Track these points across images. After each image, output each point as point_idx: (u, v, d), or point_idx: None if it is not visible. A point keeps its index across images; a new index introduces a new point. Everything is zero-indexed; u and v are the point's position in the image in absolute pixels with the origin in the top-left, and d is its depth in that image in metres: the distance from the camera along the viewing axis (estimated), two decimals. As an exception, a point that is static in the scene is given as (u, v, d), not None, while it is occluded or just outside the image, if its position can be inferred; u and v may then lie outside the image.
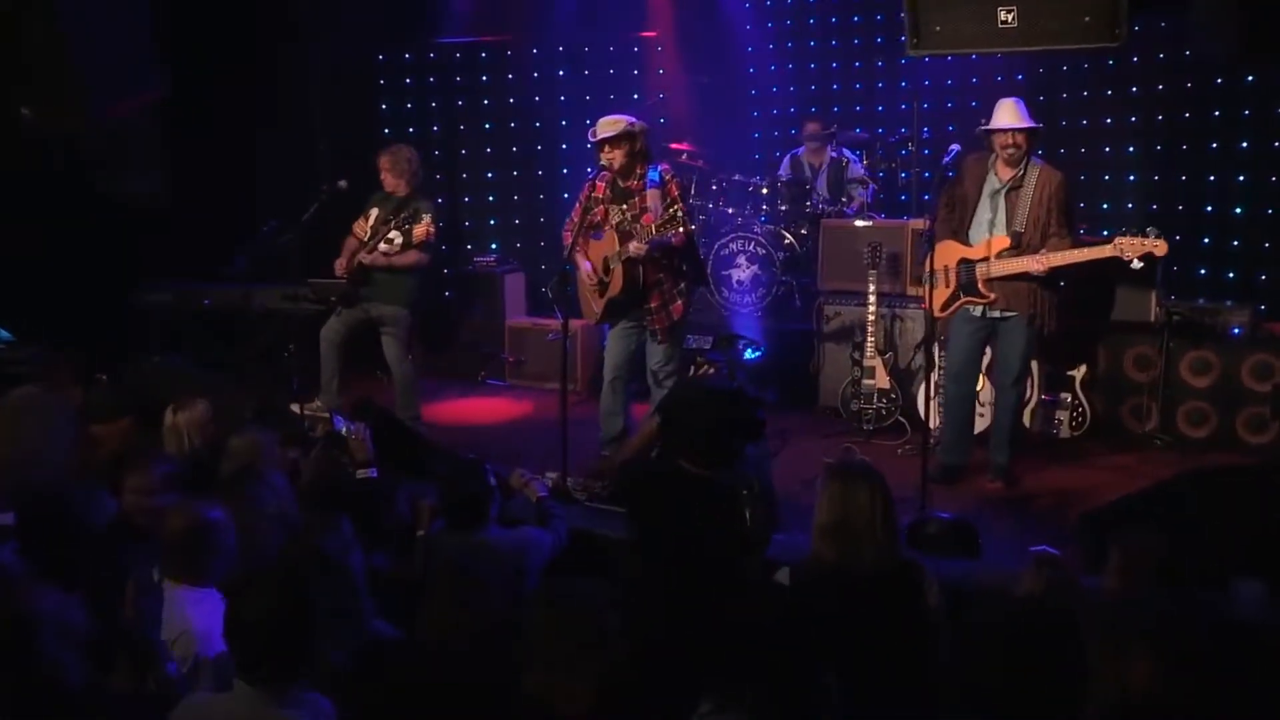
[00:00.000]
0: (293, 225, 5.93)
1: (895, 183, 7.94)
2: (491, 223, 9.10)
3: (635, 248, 5.21)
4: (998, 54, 6.28)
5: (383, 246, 6.24)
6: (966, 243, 5.33)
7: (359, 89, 8.71)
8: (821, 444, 6.29)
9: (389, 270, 6.30)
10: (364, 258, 6.26)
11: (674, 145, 8.07)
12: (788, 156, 8.30)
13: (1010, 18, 4.50)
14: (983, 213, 5.28)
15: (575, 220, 5.65)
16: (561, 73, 8.80)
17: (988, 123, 5.28)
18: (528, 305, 8.34)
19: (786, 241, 7.61)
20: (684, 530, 3.45)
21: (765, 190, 7.83)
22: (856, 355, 6.44)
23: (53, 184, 7.20)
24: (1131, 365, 6.27)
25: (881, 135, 8.10)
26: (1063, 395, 6.18)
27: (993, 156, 5.30)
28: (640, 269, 5.37)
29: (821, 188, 7.90)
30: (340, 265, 6.40)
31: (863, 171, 7.85)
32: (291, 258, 5.91)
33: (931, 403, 6.08)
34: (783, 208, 7.76)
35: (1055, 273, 5.09)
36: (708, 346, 4.93)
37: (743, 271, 7.59)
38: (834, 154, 8.08)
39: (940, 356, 6.05)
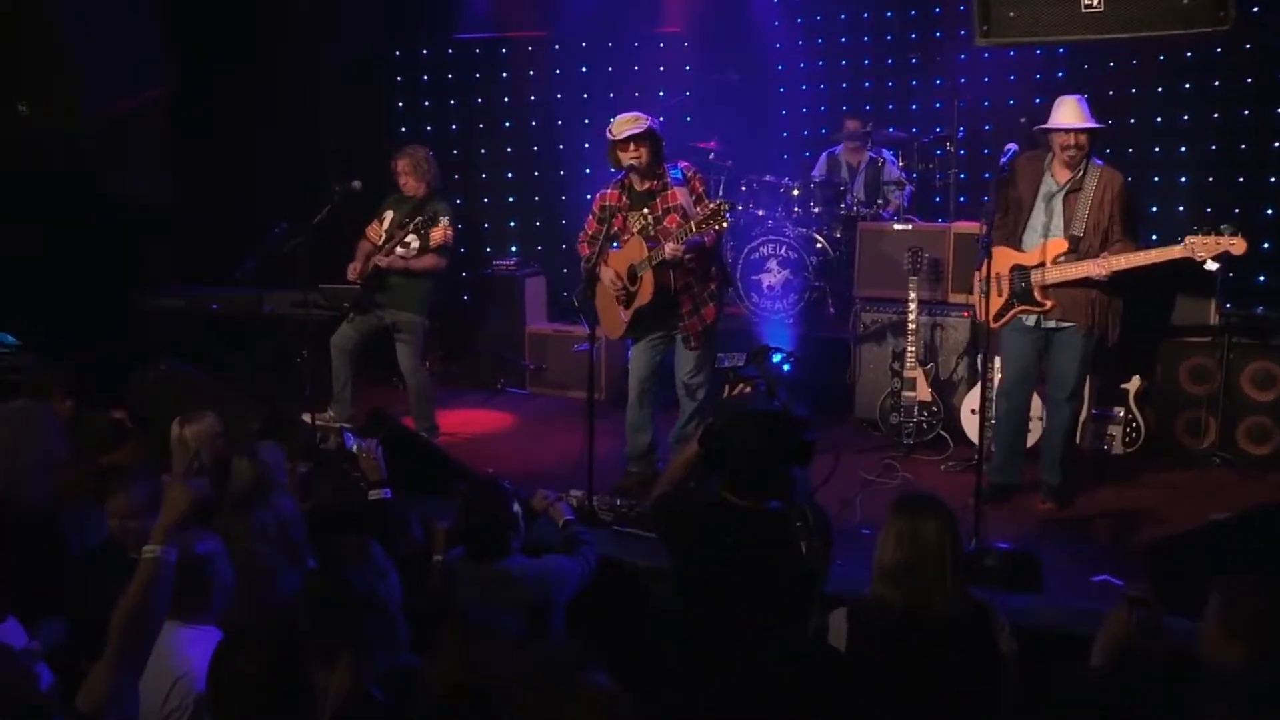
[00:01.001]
0: (303, 228, 5.63)
1: (931, 184, 7.58)
2: (511, 225, 8.80)
3: (671, 248, 4.87)
4: (1071, 44, 5.82)
5: (399, 250, 5.95)
6: (1019, 248, 4.99)
7: (373, 86, 8.45)
8: (859, 459, 5.94)
9: (405, 275, 6.01)
10: (379, 261, 5.96)
11: (700, 144, 7.75)
12: (824, 155, 7.98)
13: (1097, 1, 4.12)
14: (1037, 216, 4.95)
15: (589, 233, 5.33)
16: (584, 69, 8.48)
17: (1045, 121, 4.91)
18: (548, 311, 8.03)
19: (819, 245, 7.28)
20: (733, 571, 3.15)
21: (797, 192, 7.49)
22: (896, 366, 6.10)
23: (54, 184, 6.94)
24: (1187, 377, 5.92)
25: (915, 135, 7.75)
26: (1115, 410, 5.83)
27: (1049, 157, 4.96)
28: (670, 274, 5.05)
29: (858, 189, 7.57)
30: (354, 270, 6.11)
31: (899, 173, 7.52)
32: (302, 262, 5.60)
33: (975, 416, 5.82)
34: (815, 210, 7.43)
35: (1117, 279, 4.74)
36: (741, 363, 4.58)
37: (773, 276, 7.27)
38: (872, 154, 7.76)
39: (986, 368, 5.75)
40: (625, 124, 4.93)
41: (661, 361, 5.35)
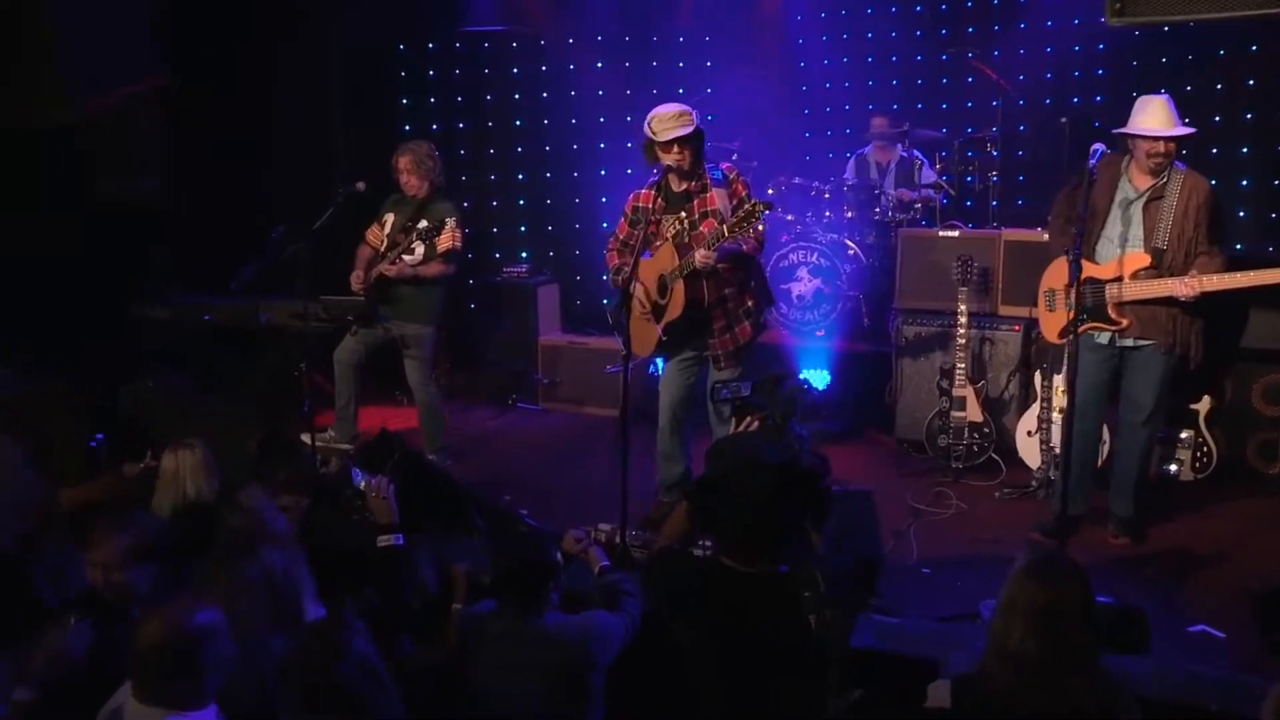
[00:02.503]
0: (304, 233, 5.18)
1: (964, 187, 7.14)
2: (522, 229, 8.34)
3: (702, 256, 4.40)
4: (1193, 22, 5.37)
5: (406, 258, 5.48)
6: (1092, 259, 4.54)
7: (378, 82, 7.98)
8: (904, 484, 5.53)
9: (413, 284, 5.54)
10: (386, 270, 5.49)
11: (723, 144, 7.30)
12: (853, 157, 7.57)
13: (1233, -23, 3.69)
14: (1113, 226, 4.50)
15: (620, 238, 4.88)
16: (600, 65, 8.03)
17: (1125, 124, 4.45)
18: (562, 321, 7.58)
19: (851, 252, 6.85)
20: (733, 647, 2.67)
21: (828, 195, 7.06)
22: (944, 384, 5.65)
23: (43, 185, 6.48)
24: (1260, 398, 5.48)
25: (947, 135, 7.31)
26: (1183, 432, 5.38)
27: (1126, 160, 4.51)
28: (703, 285, 4.59)
29: (889, 189, 7.14)
30: (357, 279, 5.64)
31: (935, 175, 7.08)
32: (303, 269, 5.14)
33: (1032, 439, 5.39)
34: (849, 214, 6.99)
35: (1203, 296, 4.30)
36: (746, 392, 3.98)
37: (804, 285, 6.83)
38: (904, 153, 7.34)
39: (1043, 387, 5.33)
40: (670, 122, 4.46)
41: (694, 384, 4.90)
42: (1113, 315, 4.46)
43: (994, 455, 5.60)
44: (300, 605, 3.14)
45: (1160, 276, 4.36)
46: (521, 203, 8.31)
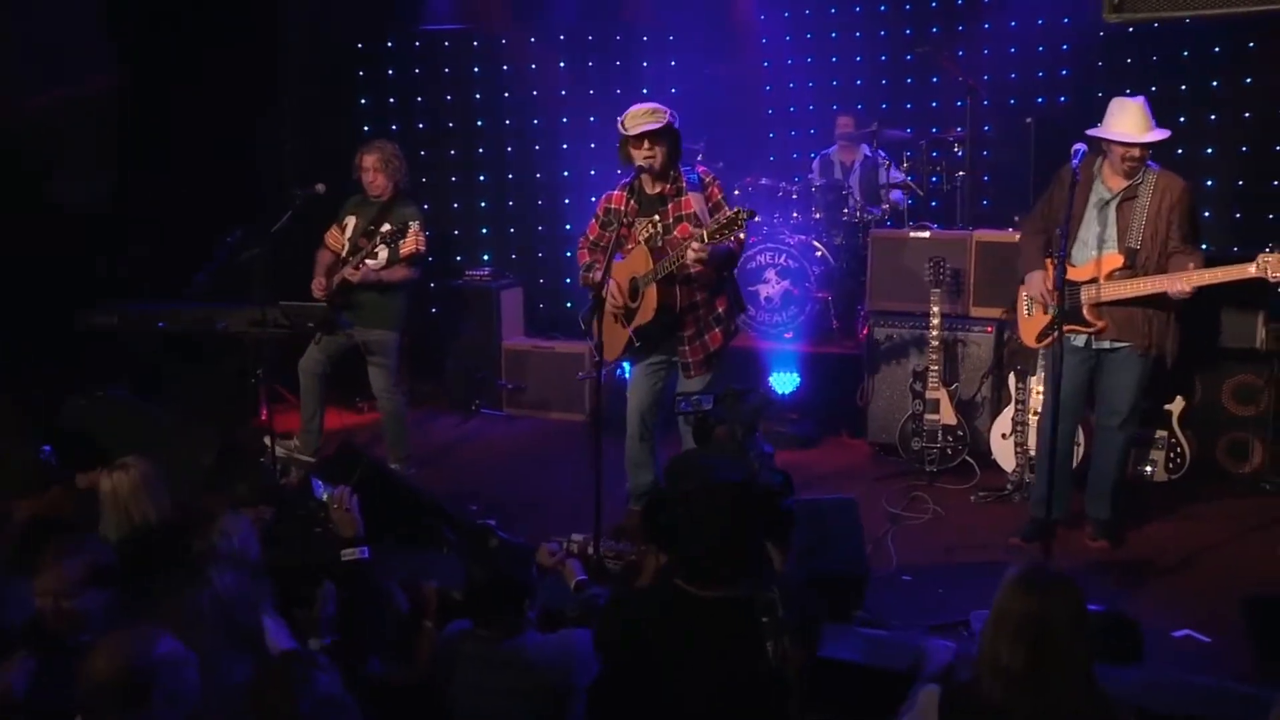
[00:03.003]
0: (260, 237, 5.00)
1: (929, 188, 7.08)
2: (484, 231, 8.18)
3: (697, 250, 4.18)
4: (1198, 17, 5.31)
5: (370, 262, 5.31)
6: (1068, 261, 4.48)
7: (336, 81, 7.78)
8: (878, 488, 5.46)
9: (377, 289, 5.38)
10: (348, 275, 5.31)
11: (687, 145, 7.17)
12: (817, 158, 7.50)
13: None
14: (1088, 228, 4.45)
15: (590, 238, 4.76)
16: (562, 64, 7.91)
17: (1100, 126, 4.40)
18: (525, 325, 7.44)
19: (819, 254, 6.78)
20: (685, 675, 2.54)
21: (795, 195, 6.99)
22: (917, 386, 5.59)
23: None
24: (1230, 397, 5.47)
25: (911, 135, 7.27)
26: (1157, 433, 5.36)
27: (1098, 161, 4.47)
28: (676, 290, 4.48)
29: (854, 188, 7.08)
30: (318, 285, 5.46)
31: (901, 176, 7.02)
32: (258, 274, 4.97)
33: (1007, 442, 5.34)
34: (816, 215, 6.93)
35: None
36: (708, 406, 3.86)
37: (771, 287, 6.75)
38: (868, 152, 7.30)
39: (1017, 389, 5.28)
40: (641, 118, 4.34)
41: (663, 389, 4.79)
42: (1088, 317, 4.41)
43: (968, 458, 5.55)
44: (259, 627, 2.98)
45: (1134, 276, 4.32)
46: (483, 205, 8.16)
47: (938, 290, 5.52)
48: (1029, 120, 6.86)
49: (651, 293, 4.48)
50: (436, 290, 7.54)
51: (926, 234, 6.08)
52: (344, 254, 5.47)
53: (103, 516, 3.70)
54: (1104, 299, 4.38)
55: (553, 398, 6.98)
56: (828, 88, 7.99)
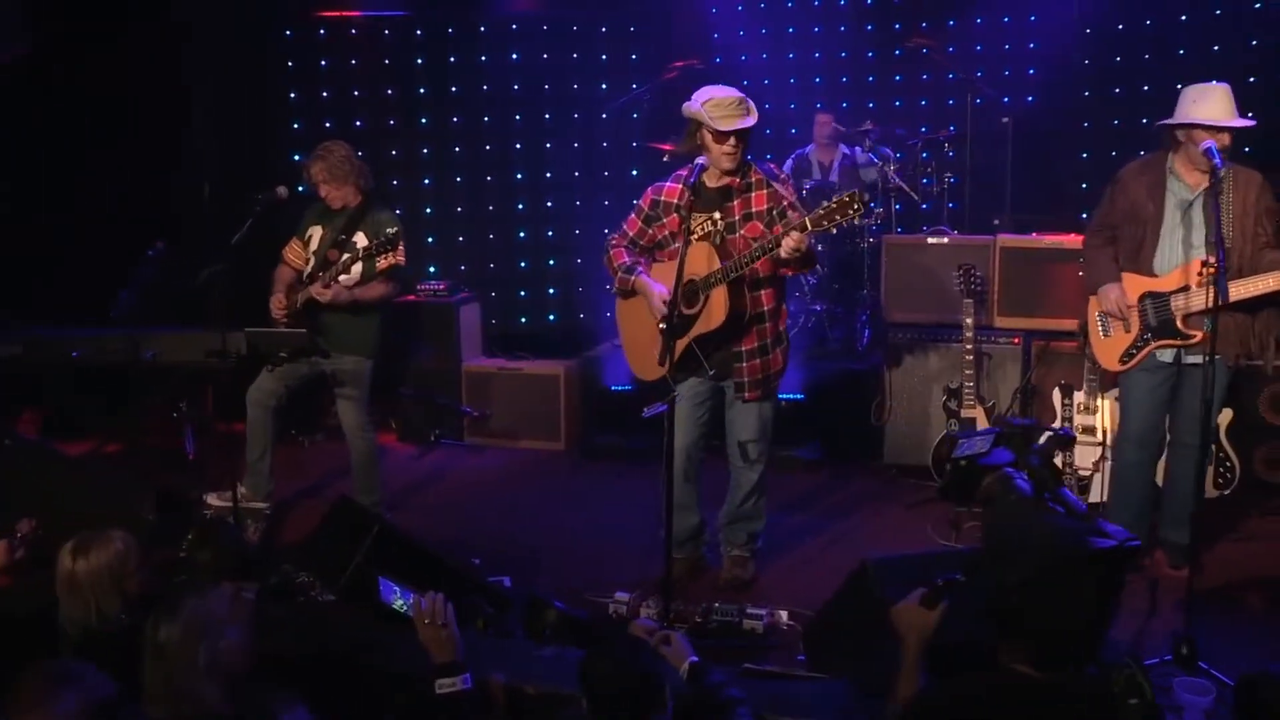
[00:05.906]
0: (214, 251, 4.21)
1: (919, 190, 6.71)
2: (429, 240, 7.46)
3: (796, 240, 3.61)
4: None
5: (344, 278, 4.55)
6: (1145, 271, 4.11)
7: (259, 71, 6.95)
8: (908, 516, 5.02)
9: (350, 309, 4.61)
10: (318, 293, 4.52)
11: (655, 145, 6.64)
12: (790, 159, 7.03)
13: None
14: (1173, 232, 4.07)
15: (630, 234, 4.16)
16: (515, 56, 7.27)
17: (1174, 115, 4.02)
18: (484, 343, 6.73)
19: (810, 262, 6.30)
20: None
21: (783, 199, 6.49)
22: (952, 405, 5.15)
23: None
24: (1268, 407, 5.21)
25: (902, 136, 6.91)
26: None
27: (1170, 159, 4.10)
28: (746, 296, 3.92)
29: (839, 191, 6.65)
30: (277, 303, 4.66)
31: (876, 174, 6.64)
32: (216, 297, 4.18)
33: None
34: (806, 220, 6.44)
35: (1264, 296, 3.93)
36: (984, 449, 2.96)
37: (761, 300, 6.23)
38: (846, 150, 6.90)
39: (1064, 405, 4.90)
40: (733, 110, 3.80)
41: (709, 422, 4.20)
42: (1182, 329, 4.03)
43: (1006, 480, 5.13)
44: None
45: (1230, 278, 3.96)
46: (429, 211, 7.46)
47: (970, 300, 5.09)
48: (1005, 120, 6.63)
49: (720, 296, 3.88)
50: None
51: (945, 239, 5.65)
52: (308, 270, 4.69)
53: (61, 599, 2.91)
54: (1196, 308, 3.99)
55: (522, 425, 6.32)
56: (809, 84, 7.65)
